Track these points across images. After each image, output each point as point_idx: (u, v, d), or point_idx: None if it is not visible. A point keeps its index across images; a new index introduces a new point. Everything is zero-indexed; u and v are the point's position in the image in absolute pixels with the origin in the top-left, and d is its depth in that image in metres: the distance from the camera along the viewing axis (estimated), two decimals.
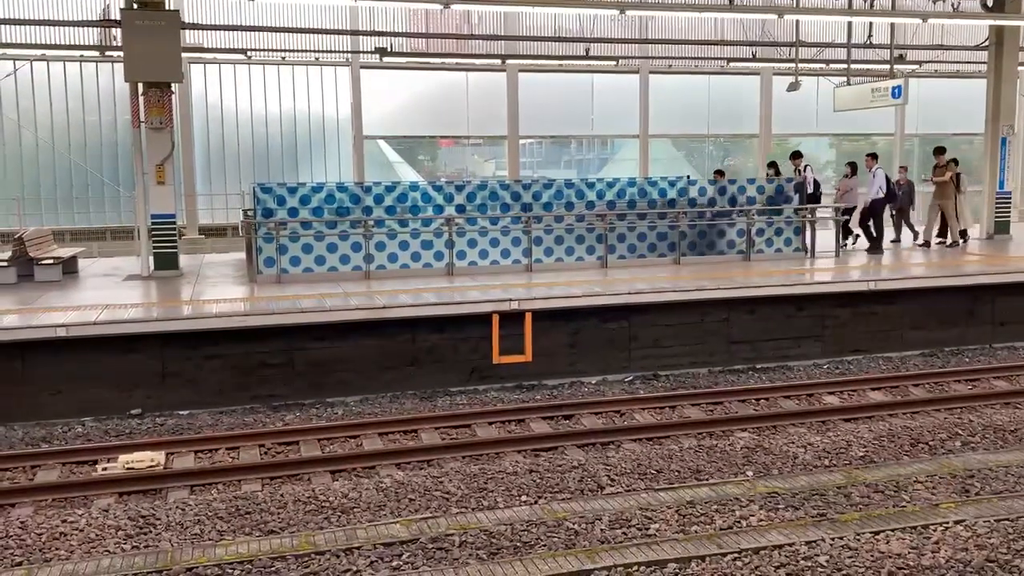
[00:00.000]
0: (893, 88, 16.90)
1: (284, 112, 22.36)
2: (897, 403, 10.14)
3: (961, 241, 16.90)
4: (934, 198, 16.82)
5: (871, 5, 18.48)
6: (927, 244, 16.63)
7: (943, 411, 9.88)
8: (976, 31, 20.93)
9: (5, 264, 13.18)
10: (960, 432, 9.03)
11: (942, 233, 17.05)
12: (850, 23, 19.18)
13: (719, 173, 17.73)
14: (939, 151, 16.82)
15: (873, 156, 16.16)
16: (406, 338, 10.76)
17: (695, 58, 24.05)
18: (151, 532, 6.67)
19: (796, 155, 16.58)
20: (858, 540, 5.74)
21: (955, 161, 16.88)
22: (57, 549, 6.37)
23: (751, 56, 21.65)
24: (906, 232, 17.61)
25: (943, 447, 8.64)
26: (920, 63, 23.25)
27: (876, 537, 5.78)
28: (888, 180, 16.02)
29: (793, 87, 19.46)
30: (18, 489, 7.73)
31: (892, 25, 18.91)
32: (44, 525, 6.78)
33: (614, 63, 21.50)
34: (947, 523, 5.97)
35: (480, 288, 12.06)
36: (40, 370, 9.70)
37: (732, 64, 22.84)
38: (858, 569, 5.38)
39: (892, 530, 5.87)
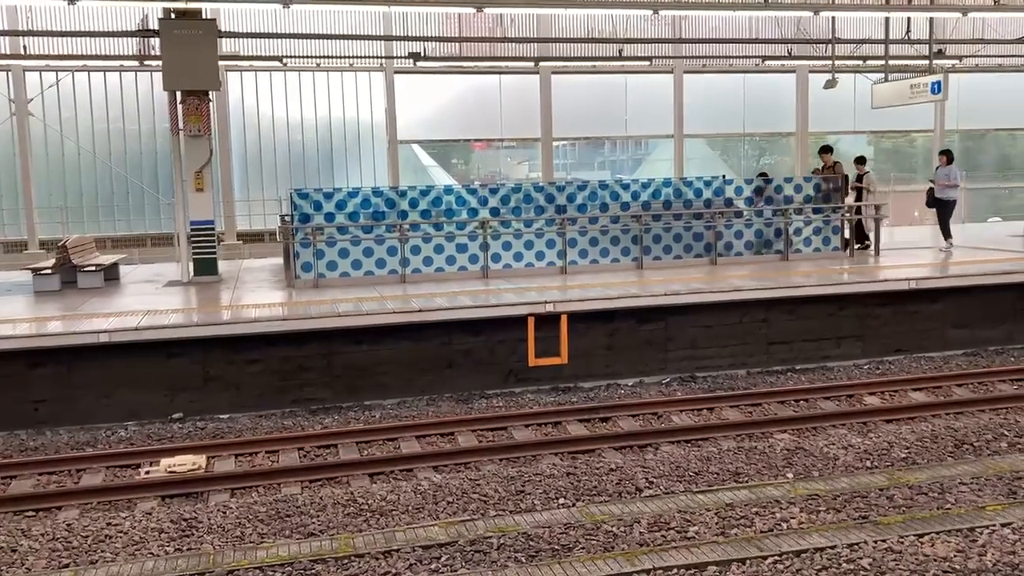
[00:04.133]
0: (932, 83, 16.61)
1: (319, 118, 22.57)
2: (940, 404, 9.97)
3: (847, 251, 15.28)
4: None
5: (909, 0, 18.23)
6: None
7: (988, 412, 9.70)
8: (1018, 24, 20.55)
9: (49, 272, 13.43)
10: (1006, 433, 8.86)
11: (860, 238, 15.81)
12: (887, 18, 18.91)
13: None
14: (824, 150, 15.95)
15: (764, 178, 15.41)
16: (442, 341, 10.80)
17: (730, 57, 23.86)
18: (193, 534, 6.76)
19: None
20: (902, 543, 5.66)
21: (861, 159, 15.99)
22: (102, 551, 6.48)
23: (787, 54, 21.41)
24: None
25: (988, 448, 8.47)
26: (960, 58, 22.86)
27: (920, 540, 5.70)
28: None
29: (830, 84, 19.23)
30: (64, 492, 7.88)
31: (931, 19, 18.61)
32: (90, 528, 6.90)
33: (648, 63, 21.38)
34: (994, 526, 5.87)
35: (515, 290, 12.07)
36: (84, 375, 9.87)
37: (767, 62, 22.58)
38: (902, 572, 5.30)
39: (937, 533, 5.79)
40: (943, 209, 15.77)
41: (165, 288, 13.50)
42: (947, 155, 15.83)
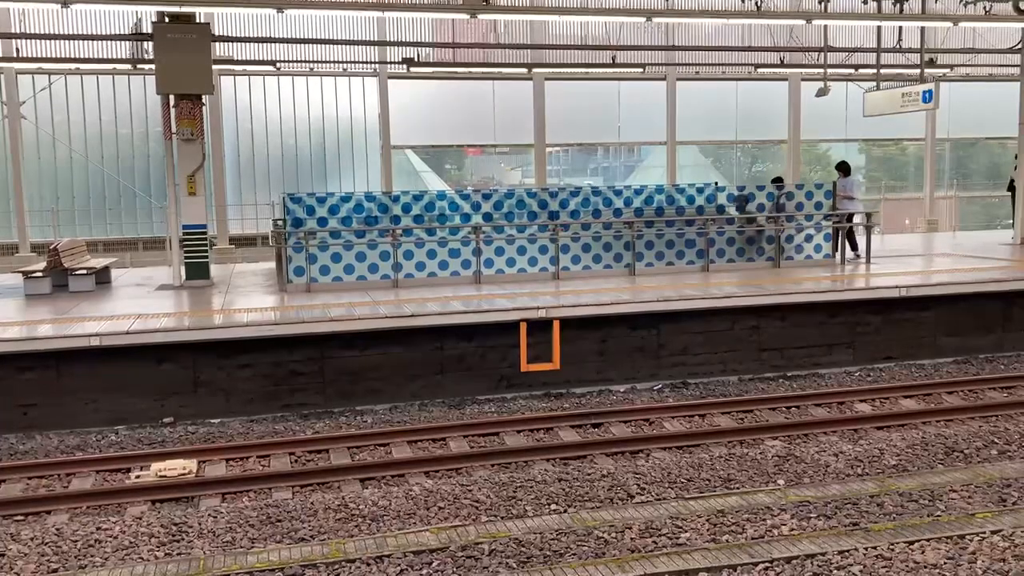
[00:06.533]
0: (924, 92, 16.68)
1: (313, 123, 22.54)
2: (930, 411, 10.00)
3: None
4: None
5: (900, 9, 18.31)
6: None
7: (978, 419, 9.73)
8: (1009, 33, 20.66)
9: (40, 275, 13.39)
10: (996, 440, 8.90)
11: None
12: (879, 27, 19.00)
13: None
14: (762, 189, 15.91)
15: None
16: (434, 346, 10.79)
17: (722, 64, 23.95)
18: (183, 539, 6.73)
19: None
20: (892, 550, 5.67)
21: (777, 180, 15.99)
22: (92, 556, 6.45)
23: (779, 62, 21.50)
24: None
25: (978, 456, 8.51)
26: (951, 66, 22.97)
27: (911, 547, 5.71)
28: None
29: (822, 92, 19.30)
30: (54, 496, 7.84)
31: (922, 28, 18.71)
32: (79, 532, 6.87)
33: (641, 70, 21.44)
34: (983, 533, 5.88)
35: (508, 296, 12.07)
36: (74, 379, 9.84)
37: (760, 70, 22.66)
38: None
39: (927, 540, 5.80)
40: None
41: (156, 292, 13.47)
42: (844, 168, 15.90)
